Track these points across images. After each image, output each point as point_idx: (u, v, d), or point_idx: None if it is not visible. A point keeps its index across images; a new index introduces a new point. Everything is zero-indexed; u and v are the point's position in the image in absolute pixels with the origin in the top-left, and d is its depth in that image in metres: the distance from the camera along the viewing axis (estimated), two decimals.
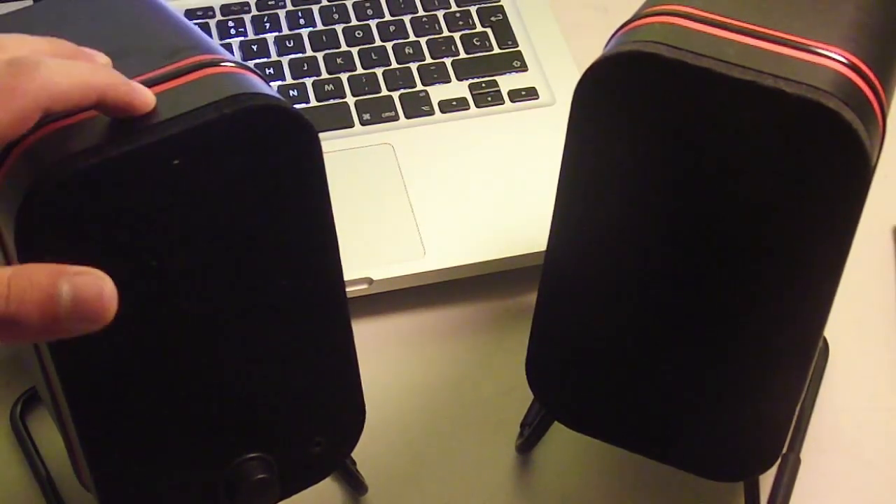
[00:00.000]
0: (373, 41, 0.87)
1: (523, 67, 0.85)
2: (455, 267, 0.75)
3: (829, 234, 0.52)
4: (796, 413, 0.58)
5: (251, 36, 0.87)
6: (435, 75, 0.85)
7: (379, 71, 0.85)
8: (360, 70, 0.85)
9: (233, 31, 0.87)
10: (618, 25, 0.56)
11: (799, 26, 0.53)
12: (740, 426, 0.58)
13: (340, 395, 0.58)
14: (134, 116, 0.48)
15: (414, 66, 0.85)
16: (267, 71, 0.85)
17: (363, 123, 0.82)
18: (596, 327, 0.59)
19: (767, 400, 0.57)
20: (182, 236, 0.50)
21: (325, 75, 0.85)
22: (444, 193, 0.78)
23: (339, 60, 0.85)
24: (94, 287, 0.43)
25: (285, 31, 0.87)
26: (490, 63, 0.86)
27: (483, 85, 0.84)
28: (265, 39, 0.87)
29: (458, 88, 0.84)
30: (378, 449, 0.68)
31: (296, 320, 0.55)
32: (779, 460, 0.61)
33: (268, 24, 0.88)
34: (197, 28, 0.56)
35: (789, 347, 0.56)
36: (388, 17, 0.89)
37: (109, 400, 0.52)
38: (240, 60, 0.53)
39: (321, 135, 0.52)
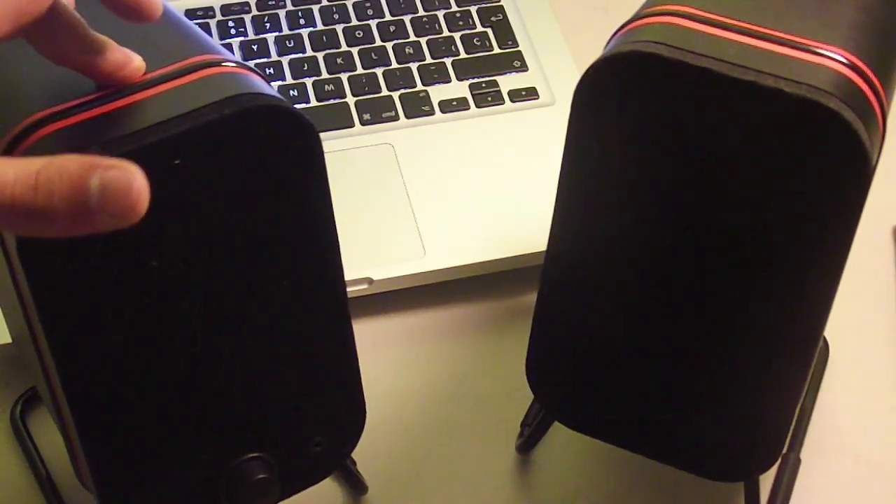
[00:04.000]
0: (373, 41, 0.87)
1: (523, 67, 0.85)
2: (455, 267, 0.75)
3: (829, 235, 0.52)
4: (796, 413, 0.58)
5: (251, 36, 0.87)
6: (435, 75, 0.85)
7: (379, 71, 0.85)
8: (360, 70, 0.85)
9: (233, 31, 0.87)
10: (618, 25, 0.56)
11: (799, 26, 0.53)
12: (740, 426, 0.58)
13: (340, 395, 0.58)
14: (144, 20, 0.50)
15: (414, 66, 0.85)
16: (267, 71, 0.85)
17: (363, 123, 0.82)
18: (596, 327, 0.59)
19: (767, 400, 0.57)
20: (182, 236, 0.50)
21: (325, 75, 0.85)
22: (445, 193, 0.78)
23: (339, 60, 0.85)
24: (124, 180, 0.41)
25: (285, 31, 0.87)
26: (490, 63, 0.86)
27: (483, 85, 0.84)
28: (265, 39, 0.87)
29: (458, 88, 0.84)
30: (378, 449, 0.68)
31: (296, 320, 0.55)
32: (779, 460, 0.61)
33: (268, 24, 0.88)
34: (198, 28, 0.56)
35: (789, 347, 0.56)
36: (388, 17, 0.89)
37: (109, 400, 0.52)
38: (240, 60, 0.53)
39: (321, 135, 0.52)
